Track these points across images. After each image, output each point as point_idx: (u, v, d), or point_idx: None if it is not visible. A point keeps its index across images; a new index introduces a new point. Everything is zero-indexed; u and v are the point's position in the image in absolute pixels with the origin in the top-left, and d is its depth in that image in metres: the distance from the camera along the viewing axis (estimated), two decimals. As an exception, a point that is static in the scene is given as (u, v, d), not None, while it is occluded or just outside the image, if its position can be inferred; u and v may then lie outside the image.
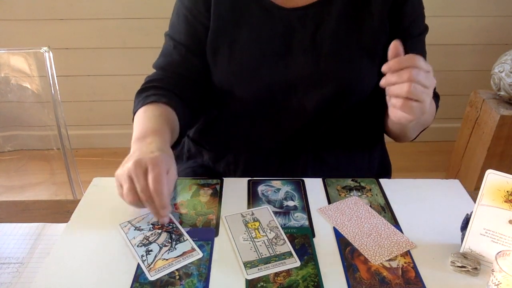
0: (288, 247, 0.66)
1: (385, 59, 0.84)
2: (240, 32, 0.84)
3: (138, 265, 0.62)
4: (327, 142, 0.92)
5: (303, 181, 0.81)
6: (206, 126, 0.96)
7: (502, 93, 1.64)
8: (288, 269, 0.62)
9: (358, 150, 0.95)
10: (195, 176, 0.90)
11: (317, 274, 0.61)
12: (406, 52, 0.83)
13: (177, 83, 0.87)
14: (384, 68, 0.68)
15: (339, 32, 0.83)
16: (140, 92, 0.87)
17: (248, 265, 0.62)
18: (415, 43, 0.88)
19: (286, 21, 0.84)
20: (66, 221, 0.71)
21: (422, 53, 0.91)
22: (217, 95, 0.90)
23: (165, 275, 0.60)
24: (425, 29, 0.90)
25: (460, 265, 0.62)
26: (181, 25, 0.88)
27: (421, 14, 0.89)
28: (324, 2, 0.83)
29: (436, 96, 0.92)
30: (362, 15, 0.84)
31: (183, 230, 0.69)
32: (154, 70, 0.91)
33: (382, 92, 0.89)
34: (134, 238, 0.67)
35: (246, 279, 0.60)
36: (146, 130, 0.75)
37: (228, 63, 0.85)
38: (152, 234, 0.68)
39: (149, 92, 0.84)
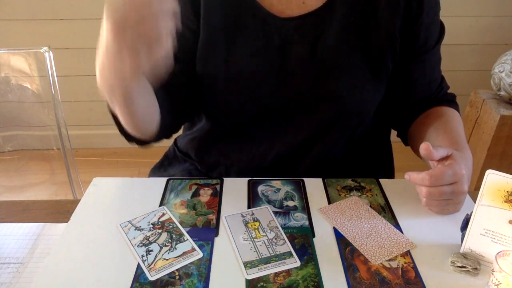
0: (288, 247, 0.66)
1: (392, 77, 0.81)
2: (234, 45, 0.78)
3: (138, 265, 0.62)
4: (325, 165, 0.86)
5: (303, 181, 0.81)
6: (196, 140, 0.92)
7: (502, 93, 1.64)
8: (288, 269, 0.62)
9: (362, 171, 0.89)
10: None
11: (317, 274, 0.61)
12: (423, 65, 0.82)
13: (159, 89, 0.79)
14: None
15: (340, 45, 0.77)
16: None
17: (248, 265, 0.62)
18: (431, 56, 0.83)
19: (283, 32, 0.77)
20: (66, 221, 0.71)
21: (437, 64, 0.87)
22: (208, 109, 0.85)
23: (165, 275, 0.60)
24: (441, 32, 0.84)
25: (460, 265, 0.62)
26: None
27: (436, 16, 0.82)
28: (325, 10, 0.76)
29: (454, 103, 0.88)
30: (367, 25, 0.77)
31: (183, 230, 0.69)
32: None
33: (388, 109, 0.85)
34: (134, 238, 0.67)
35: (246, 279, 0.60)
36: None
37: (224, 80, 0.79)
38: (152, 234, 0.68)
39: None
